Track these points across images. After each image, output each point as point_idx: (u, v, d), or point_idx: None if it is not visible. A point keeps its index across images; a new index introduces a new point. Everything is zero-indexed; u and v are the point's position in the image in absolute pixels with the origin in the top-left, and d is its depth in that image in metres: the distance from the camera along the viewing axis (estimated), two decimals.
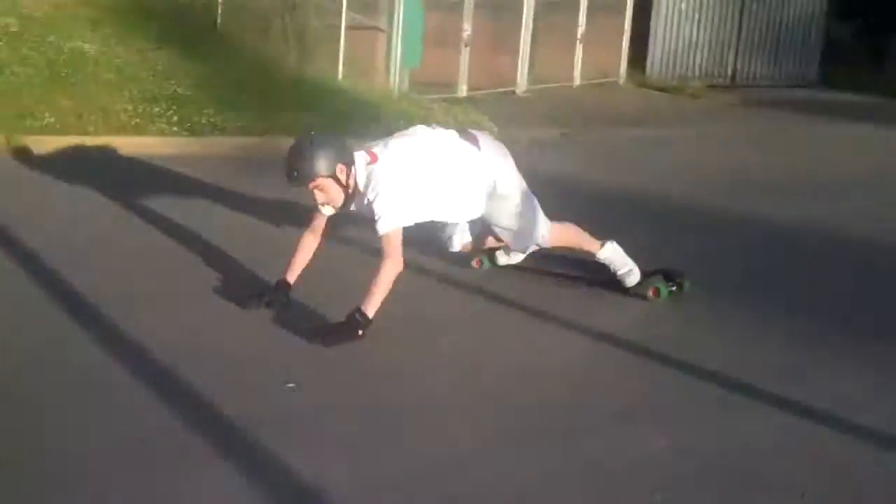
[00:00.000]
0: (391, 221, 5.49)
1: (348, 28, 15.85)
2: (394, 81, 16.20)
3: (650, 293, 6.72)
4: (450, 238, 6.72)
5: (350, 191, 5.63)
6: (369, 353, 5.43)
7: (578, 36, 21.37)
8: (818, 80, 26.18)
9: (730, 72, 25.32)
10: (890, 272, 8.35)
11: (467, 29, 18.08)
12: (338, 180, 5.53)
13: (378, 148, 5.77)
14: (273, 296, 5.93)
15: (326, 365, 5.30)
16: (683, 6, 24.38)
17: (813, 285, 7.77)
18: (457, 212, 6.21)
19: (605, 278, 6.82)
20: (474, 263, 7.18)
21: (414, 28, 16.47)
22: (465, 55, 18.12)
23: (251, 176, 10.14)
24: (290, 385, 5.00)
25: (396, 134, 6.09)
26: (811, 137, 17.60)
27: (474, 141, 6.15)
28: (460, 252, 6.92)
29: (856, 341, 6.37)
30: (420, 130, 6.10)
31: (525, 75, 19.82)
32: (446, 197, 5.99)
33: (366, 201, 5.58)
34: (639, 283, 6.73)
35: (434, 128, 6.19)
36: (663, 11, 24.13)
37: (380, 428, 4.61)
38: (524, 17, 19.55)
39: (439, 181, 5.89)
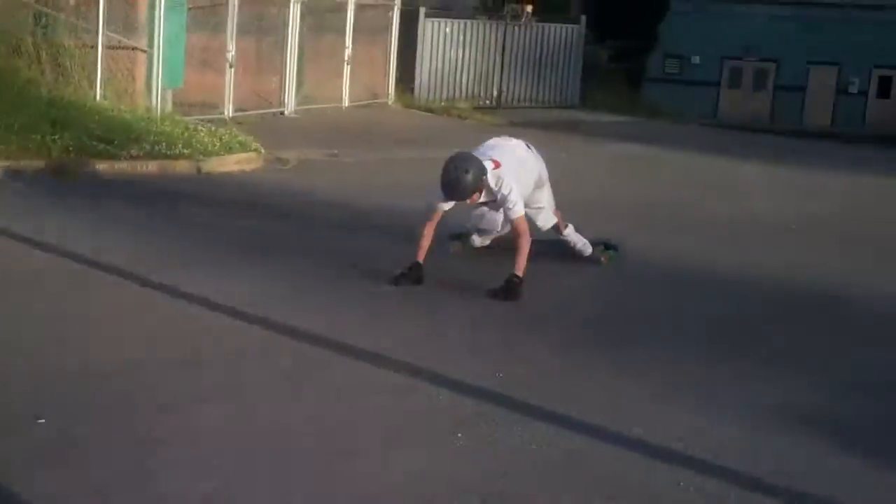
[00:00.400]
0: (520, 207, 7.71)
1: (107, 48, 15.49)
2: (156, 102, 15.94)
3: (603, 259, 9.10)
4: (474, 237, 8.88)
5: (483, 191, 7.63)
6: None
7: (346, 58, 21.70)
8: (579, 102, 27.64)
9: (495, 94, 26.34)
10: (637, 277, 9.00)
11: (231, 49, 18.07)
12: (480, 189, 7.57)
13: (496, 154, 7.87)
14: (413, 273, 7.80)
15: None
16: (448, 30, 25.22)
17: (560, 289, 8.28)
18: (532, 198, 8.29)
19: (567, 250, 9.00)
20: (454, 250, 8.99)
21: (175, 48, 16.29)
22: (229, 76, 18.09)
23: None
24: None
25: (492, 142, 8.33)
26: (571, 155, 18.52)
27: (529, 145, 8.53)
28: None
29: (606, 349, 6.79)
30: (504, 140, 8.44)
31: (293, 96, 19.98)
32: (529, 187, 8.18)
33: (499, 196, 7.67)
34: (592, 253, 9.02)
35: (507, 138, 8.55)
36: (428, 35, 24.88)
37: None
38: (289, 38, 19.71)
39: (528, 177, 8.16)
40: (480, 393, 5.64)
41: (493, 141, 8.38)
